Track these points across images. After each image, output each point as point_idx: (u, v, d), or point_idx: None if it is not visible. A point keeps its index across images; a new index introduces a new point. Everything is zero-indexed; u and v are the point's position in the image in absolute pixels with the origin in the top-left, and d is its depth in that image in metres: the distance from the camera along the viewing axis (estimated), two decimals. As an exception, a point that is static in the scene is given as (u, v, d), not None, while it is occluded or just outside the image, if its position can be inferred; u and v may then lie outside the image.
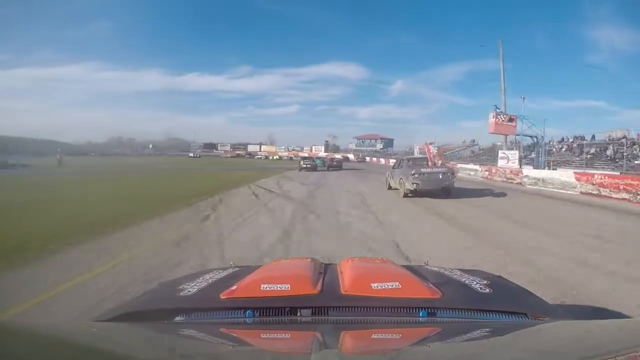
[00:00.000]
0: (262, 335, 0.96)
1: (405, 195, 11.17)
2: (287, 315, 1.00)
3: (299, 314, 1.00)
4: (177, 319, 1.02)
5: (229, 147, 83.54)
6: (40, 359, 0.76)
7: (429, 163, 12.46)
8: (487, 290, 1.15)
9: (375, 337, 0.95)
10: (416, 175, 10.88)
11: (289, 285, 1.09)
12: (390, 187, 13.28)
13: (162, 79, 64.96)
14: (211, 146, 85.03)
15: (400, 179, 11.68)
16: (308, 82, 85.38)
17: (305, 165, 27.92)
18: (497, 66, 26.14)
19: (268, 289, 1.08)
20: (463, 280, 1.25)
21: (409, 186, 10.93)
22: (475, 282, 1.21)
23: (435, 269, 1.44)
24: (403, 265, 1.43)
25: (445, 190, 11.34)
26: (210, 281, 1.28)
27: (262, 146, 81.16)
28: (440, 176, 11.20)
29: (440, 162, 12.96)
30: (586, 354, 0.76)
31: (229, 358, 0.83)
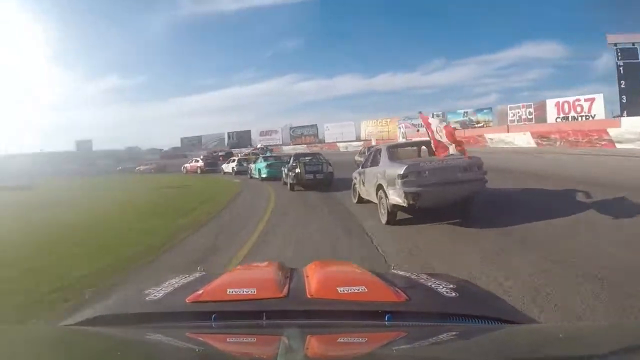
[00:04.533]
0: (227, 339, 0.95)
1: (391, 220, 5.94)
2: (253, 319, 0.99)
3: (264, 317, 0.99)
4: (143, 323, 1.00)
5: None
6: None
7: (434, 149, 6.53)
8: (454, 294, 1.16)
9: (341, 340, 0.95)
10: (410, 178, 5.51)
11: (255, 289, 1.09)
12: (360, 200, 7.93)
13: (356, 82, 65.84)
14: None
15: (379, 184, 6.26)
16: (503, 67, 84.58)
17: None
18: None
19: (234, 293, 1.07)
20: (429, 284, 1.26)
21: (398, 200, 5.62)
22: (441, 286, 1.22)
23: (402, 273, 1.46)
24: (369, 270, 1.44)
25: (467, 203, 5.91)
26: (176, 285, 1.27)
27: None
28: (459, 174, 5.65)
29: (452, 145, 6.29)
30: (558, 357, 0.77)
31: None
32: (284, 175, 13.28)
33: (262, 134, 48.86)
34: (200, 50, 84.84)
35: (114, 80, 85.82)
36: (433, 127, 6.51)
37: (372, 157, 7.36)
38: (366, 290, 1.09)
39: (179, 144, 54.62)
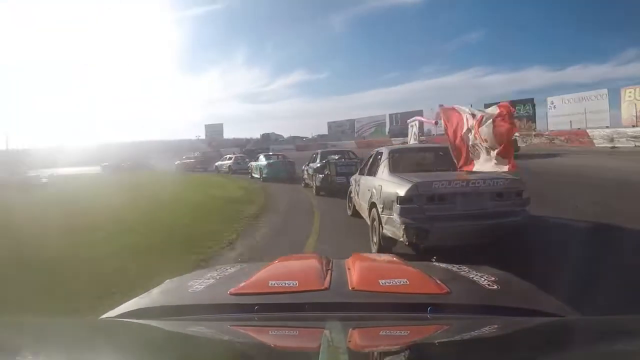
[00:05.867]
0: (270, 332, 0.96)
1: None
2: (295, 311, 1.00)
3: (306, 310, 1.00)
4: (186, 315, 1.02)
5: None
6: (49, 357, 0.77)
7: (454, 158, 4.51)
8: (495, 286, 1.14)
9: (383, 333, 0.95)
10: (416, 204, 3.71)
11: (296, 281, 1.10)
12: (356, 213, 6.00)
13: (543, 75, 64.67)
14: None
15: (372, 202, 4.52)
16: None
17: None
18: None
19: (276, 285, 1.09)
20: (471, 276, 1.25)
21: (394, 232, 3.88)
22: (483, 279, 1.20)
23: (443, 265, 1.45)
24: (410, 262, 1.43)
25: (497, 235, 3.86)
26: (218, 278, 1.29)
27: None
28: (489, 203, 3.82)
29: (494, 151, 3.97)
30: (604, 350, 0.75)
31: (237, 354, 0.84)
32: (306, 176, 11.51)
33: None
34: (382, 45, 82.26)
35: (301, 76, 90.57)
36: (465, 122, 4.24)
37: (371, 161, 5.38)
38: (408, 282, 1.09)
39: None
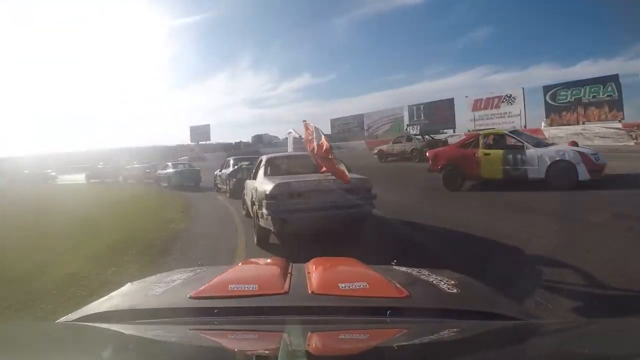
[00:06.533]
0: (229, 336, 0.96)
1: (261, 242, 5.15)
2: (255, 315, 1.00)
3: (266, 313, 1.00)
4: (146, 319, 1.01)
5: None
6: None
7: (315, 163, 5.07)
8: (455, 290, 1.16)
9: (343, 337, 0.95)
10: (278, 200, 4.63)
11: (256, 285, 1.10)
12: (248, 213, 6.58)
13: (552, 72, 62.93)
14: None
15: (252, 201, 5.50)
16: None
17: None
18: None
19: (236, 288, 1.08)
20: (430, 280, 1.26)
21: (265, 222, 4.81)
22: (443, 282, 1.22)
23: (403, 269, 1.46)
24: (370, 266, 1.44)
25: (353, 228, 5.07)
26: (178, 281, 1.28)
27: None
28: (340, 198, 4.73)
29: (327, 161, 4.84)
30: (563, 354, 0.77)
31: (197, 358, 0.84)
32: (218, 181, 12.50)
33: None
34: (387, 47, 79.02)
35: (307, 80, 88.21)
36: (315, 136, 5.11)
37: (255, 167, 6.21)
38: (367, 286, 1.09)
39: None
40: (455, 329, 0.94)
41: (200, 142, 44.38)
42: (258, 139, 46.42)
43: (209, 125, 45.59)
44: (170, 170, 16.73)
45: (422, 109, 29.70)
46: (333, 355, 0.85)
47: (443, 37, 72.19)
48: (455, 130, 26.57)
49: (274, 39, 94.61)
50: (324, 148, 4.74)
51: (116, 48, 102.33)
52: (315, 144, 4.99)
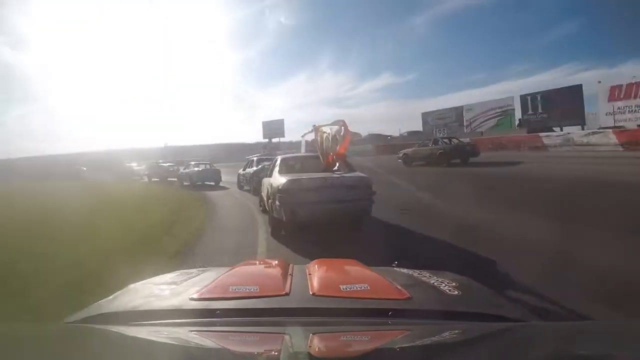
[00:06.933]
0: (231, 337, 0.96)
1: (274, 233, 5.82)
2: (256, 316, 1.01)
3: (267, 315, 1.01)
4: (147, 320, 1.02)
5: None
6: None
7: (322, 161, 6.27)
8: (456, 292, 1.15)
9: (344, 338, 0.95)
10: (289, 193, 5.37)
11: (257, 286, 1.12)
12: (265, 210, 7.05)
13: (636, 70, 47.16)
14: None
15: (268, 196, 6.27)
16: None
17: None
18: None
19: (237, 290, 1.09)
20: (432, 282, 1.25)
21: (279, 213, 5.54)
22: (444, 284, 1.21)
23: (404, 270, 1.45)
24: (371, 267, 1.43)
25: (356, 222, 5.71)
26: (180, 283, 1.29)
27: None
28: (343, 193, 5.41)
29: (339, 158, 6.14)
30: (566, 356, 0.77)
31: (198, 359, 0.84)
32: (242, 180, 12.79)
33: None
34: (467, 45, 75.05)
35: (387, 79, 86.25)
36: (328, 133, 6.19)
37: (271, 166, 7.05)
38: (369, 288, 1.09)
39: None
40: (456, 331, 0.93)
41: (273, 139, 41.02)
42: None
43: (282, 120, 41.60)
44: (192, 169, 17.72)
45: (538, 99, 23.15)
46: (334, 357, 0.85)
47: (527, 32, 65.10)
48: (584, 126, 19.92)
49: (353, 41, 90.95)
50: (342, 151, 5.96)
51: (203, 50, 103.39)
52: (329, 137, 6.14)
